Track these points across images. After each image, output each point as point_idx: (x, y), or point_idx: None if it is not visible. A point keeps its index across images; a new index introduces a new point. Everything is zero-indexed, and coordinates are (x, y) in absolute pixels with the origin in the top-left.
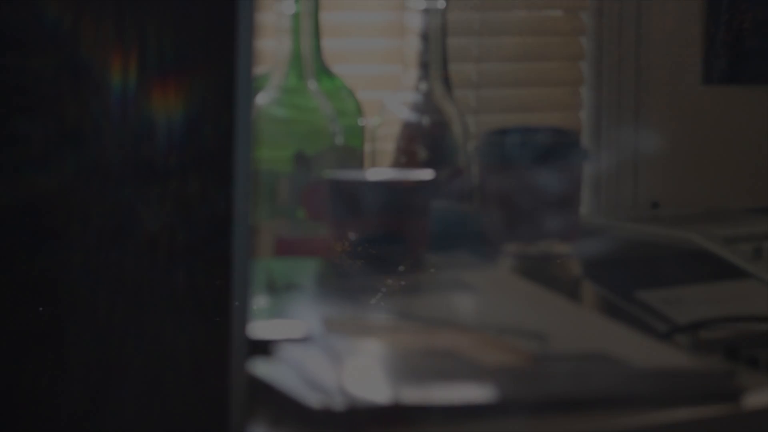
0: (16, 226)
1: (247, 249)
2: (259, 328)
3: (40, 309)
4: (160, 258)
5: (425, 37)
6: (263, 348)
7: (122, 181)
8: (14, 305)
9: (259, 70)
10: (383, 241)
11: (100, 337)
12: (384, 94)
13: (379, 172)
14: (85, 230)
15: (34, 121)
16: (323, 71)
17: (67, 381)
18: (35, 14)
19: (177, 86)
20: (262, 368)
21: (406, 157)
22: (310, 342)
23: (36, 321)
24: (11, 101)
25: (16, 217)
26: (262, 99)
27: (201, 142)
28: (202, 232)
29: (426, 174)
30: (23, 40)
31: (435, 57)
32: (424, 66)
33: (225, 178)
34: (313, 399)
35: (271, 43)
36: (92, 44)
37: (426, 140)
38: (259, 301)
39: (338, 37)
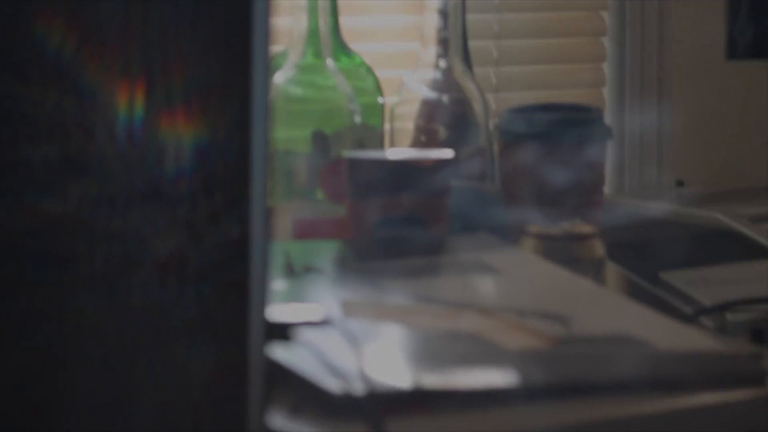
0: (24, 253)
1: (266, 270)
2: (277, 312)
3: (49, 335)
4: (174, 283)
5: (444, 13)
6: (281, 332)
7: (131, 206)
8: (22, 332)
9: (275, 48)
10: (403, 222)
11: (110, 363)
12: (403, 72)
13: (399, 152)
14: (93, 256)
15: (39, 149)
16: (341, 49)
17: (77, 408)
18: (37, 42)
19: (190, 110)
20: (280, 353)
21: (425, 136)
22: (329, 326)
23: (45, 348)
24: (16, 129)
25: (24, 244)
26: (278, 78)
27: (214, 165)
28: (216, 256)
29: (446, 153)
30: (26, 68)
31: (454, 34)
32: (444, 43)
33: (241, 200)
34: (332, 384)
35: (288, 21)
36: (97, 70)
37: (446, 119)
38: (277, 285)
39: (356, 14)
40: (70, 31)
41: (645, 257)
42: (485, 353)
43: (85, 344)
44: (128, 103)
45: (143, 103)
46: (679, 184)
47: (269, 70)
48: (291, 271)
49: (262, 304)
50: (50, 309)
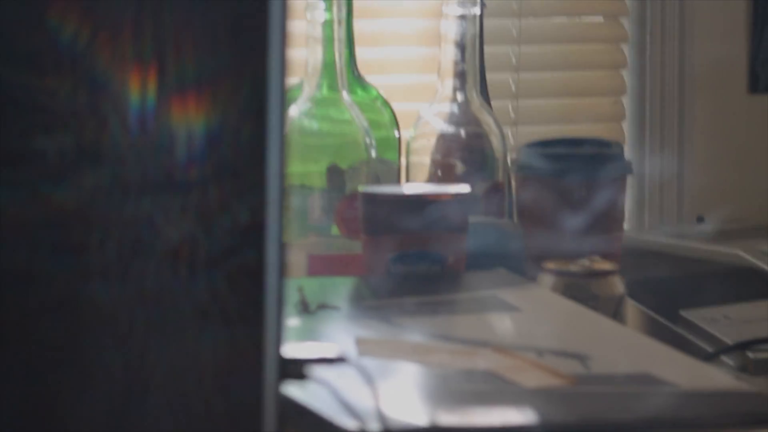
0: (37, 243)
1: (281, 261)
2: (291, 349)
3: (63, 325)
4: (187, 271)
5: (462, 45)
6: (296, 370)
7: (144, 193)
8: (36, 321)
9: (290, 81)
10: (419, 259)
11: (124, 352)
12: (419, 105)
13: (415, 187)
14: (106, 244)
15: (52, 139)
16: (357, 81)
17: (90, 396)
18: (51, 32)
19: (202, 97)
20: (295, 391)
21: (442, 171)
22: (345, 364)
23: (59, 336)
24: (29, 120)
25: (37, 233)
26: (293, 111)
27: (230, 151)
28: (233, 243)
29: (463, 188)
30: (39, 59)
31: (472, 66)
32: (461, 76)
33: (256, 186)
34: (348, 422)
35: (303, 53)
36: (110, 59)
37: (463, 153)
38: (292, 322)
39: (372, 46)
40: (84, 21)
41: (665, 294)
42: (502, 392)
43: (99, 333)
44: (141, 92)
45: (155, 90)
46: (700, 220)
47: (285, 55)
48: (306, 309)
49: (278, 341)
50: (64, 299)
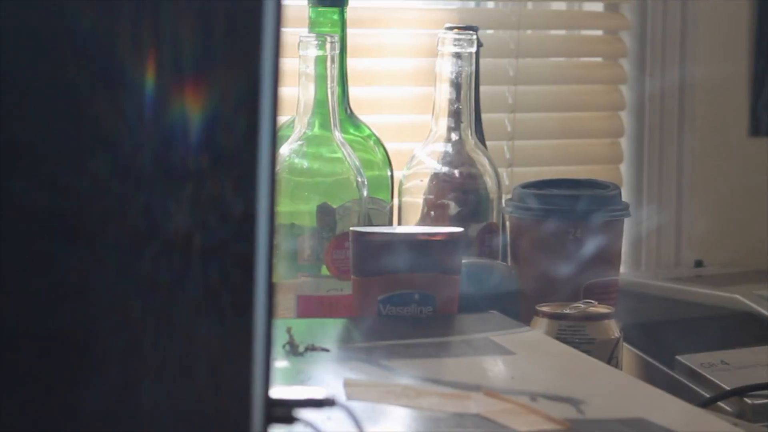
0: (45, 229)
1: (271, 249)
2: (279, 392)
3: (63, 312)
4: (183, 259)
5: (457, 84)
6: (284, 413)
7: (152, 182)
8: (44, 308)
9: (281, 118)
10: (410, 300)
11: (131, 338)
12: (413, 144)
13: (407, 227)
14: (115, 232)
15: (53, 127)
16: (349, 120)
17: (96, 382)
18: (55, 18)
19: (199, 85)
20: None
21: (435, 211)
22: (333, 406)
23: (66, 322)
24: (41, 107)
25: (45, 220)
26: (284, 149)
27: (228, 142)
28: (231, 231)
29: (456, 229)
30: (42, 45)
31: (467, 106)
32: (456, 115)
33: (251, 177)
34: None
35: (295, 90)
36: (125, 48)
37: (457, 193)
38: (280, 363)
39: (365, 84)
40: (86, 7)
41: (662, 338)
42: None
43: (98, 320)
44: (140, 79)
45: (153, 79)
46: (698, 263)
47: (279, 44)
48: (294, 350)
49: (267, 385)
50: (65, 285)
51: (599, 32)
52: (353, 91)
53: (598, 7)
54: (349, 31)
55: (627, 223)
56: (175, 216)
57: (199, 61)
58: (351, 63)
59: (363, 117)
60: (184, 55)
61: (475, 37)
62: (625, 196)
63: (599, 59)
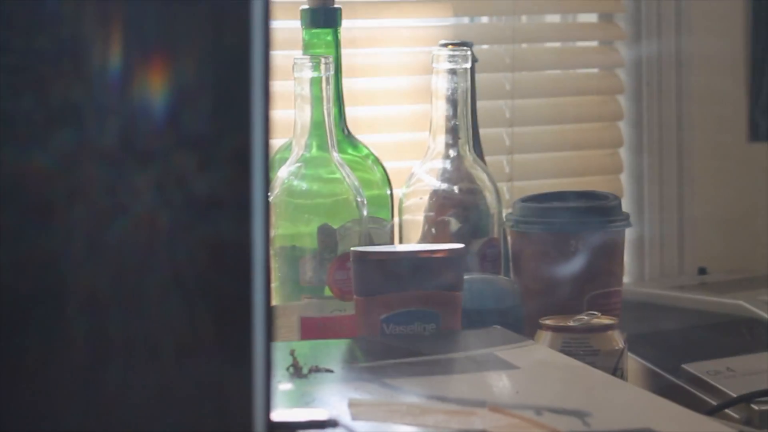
0: (14, 205)
1: (267, 238)
2: (282, 414)
3: (39, 287)
4: (150, 241)
5: (453, 101)
6: None
7: (121, 159)
8: (13, 284)
9: (278, 141)
10: (414, 318)
11: (99, 315)
12: (412, 162)
13: (409, 246)
14: (83, 208)
15: (18, 101)
16: (347, 140)
17: (64, 358)
18: None
19: (166, 64)
20: None
21: (436, 229)
22: (337, 427)
23: (34, 299)
24: (11, 81)
25: (15, 195)
26: (282, 172)
27: (189, 121)
28: (192, 219)
29: (457, 246)
30: (8, 20)
31: (464, 122)
32: (453, 131)
33: (241, 159)
34: None
35: (291, 113)
36: (93, 23)
37: (457, 210)
38: (284, 386)
39: (361, 104)
40: None
41: (667, 347)
42: None
43: (61, 300)
44: (104, 56)
45: (119, 56)
46: (702, 271)
47: (269, 31)
48: (298, 372)
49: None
50: (30, 261)
51: (594, 43)
52: (350, 111)
53: (593, 18)
54: (343, 51)
55: (629, 233)
56: (140, 195)
57: (167, 37)
58: (346, 83)
59: (360, 136)
60: (151, 31)
61: (469, 52)
62: (627, 205)
63: (595, 70)
